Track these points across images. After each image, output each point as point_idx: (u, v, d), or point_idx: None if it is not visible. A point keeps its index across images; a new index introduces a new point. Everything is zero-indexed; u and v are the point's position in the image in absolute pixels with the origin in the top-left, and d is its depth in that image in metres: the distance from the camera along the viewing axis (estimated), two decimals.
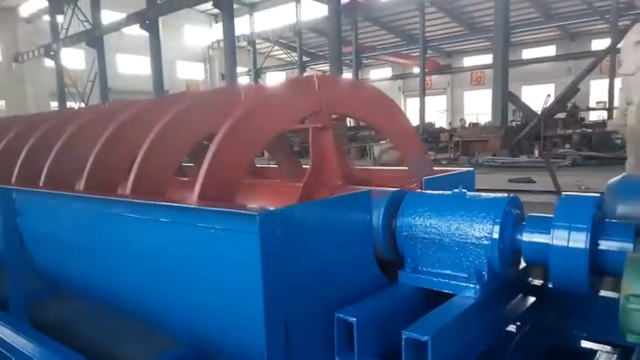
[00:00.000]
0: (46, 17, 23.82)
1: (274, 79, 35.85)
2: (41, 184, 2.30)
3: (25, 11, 25.74)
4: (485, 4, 24.75)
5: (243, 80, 30.21)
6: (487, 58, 30.92)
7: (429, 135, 22.33)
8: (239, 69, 19.05)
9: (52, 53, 22.64)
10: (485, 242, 1.51)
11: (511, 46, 18.53)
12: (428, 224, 1.62)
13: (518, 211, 1.60)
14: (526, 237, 1.51)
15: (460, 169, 2.41)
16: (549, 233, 1.41)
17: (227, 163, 1.78)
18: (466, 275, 1.55)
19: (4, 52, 25.40)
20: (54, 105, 24.93)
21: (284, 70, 34.70)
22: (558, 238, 1.39)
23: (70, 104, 22.72)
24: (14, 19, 25.64)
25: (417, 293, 1.65)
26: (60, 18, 22.37)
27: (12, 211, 2.44)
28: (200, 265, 1.60)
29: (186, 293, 1.73)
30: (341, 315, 1.43)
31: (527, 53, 31.26)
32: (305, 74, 29.07)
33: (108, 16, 20.85)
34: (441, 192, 1.74)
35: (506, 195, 1.60)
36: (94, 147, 2.20)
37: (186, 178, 2.85)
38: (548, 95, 18.19)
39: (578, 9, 25.24)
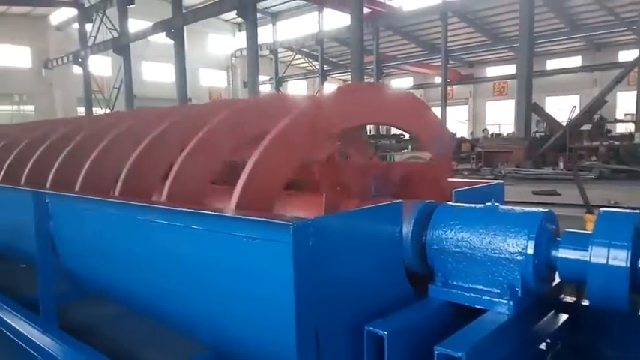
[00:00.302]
0: (76, 25, 24.51)
1: (295, 87, 36.10)
2: (77, 189, 2.35)
3: (55, 19, 26.55)
4: (510, 14, 24.53)
5: (265, 88, 30.48)
6: (510, 69, 30.59)
7: None
8: (261, 77, 19.22)
9: (80, 60, 23.25)
10: (520, 257, 1.48)
11: (535, 56, 18.33)
12: (459, 238, 1.60)
13: (554, 227, 1.57)
14: (562, 253, 1.47)
15: (489, 181, 2.38)
16: (587, 250, 1.38)
17: (268, 172, 1.78)
18: (499, 290, 1.52)
19: (34, 58, 26.21)
20: (81, 110, 25.55)
21: (305, 78, 34.92)
22: (597, 255, 1.35)
23: (96, 110, 23.26)
24: (45, 27, 26.46)
25: (448, 308, 1.62)
26: (89, 26, 23.00)
27: (45, 214, 2.50)
28: (230, 272, 1.61)
29: (215, 299, 1.75)
30: (371, 328, 1.41)
31: (552, 64, 30.83)
32: (326, 83, 29.08)
33: (135, 25, 21.35)
34: (472, 205, 1.72)
35: (541, 210, 1.57)
36: (131, 153, 2.24)
37: (224, 186, 2.87)
38: (574, 107, 17.87)
39: (605, 20, 24.82)
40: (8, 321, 2.89)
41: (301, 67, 34.25)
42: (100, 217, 2.21)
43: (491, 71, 34.00)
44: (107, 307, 3.12)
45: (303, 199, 2.61)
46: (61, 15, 26.12)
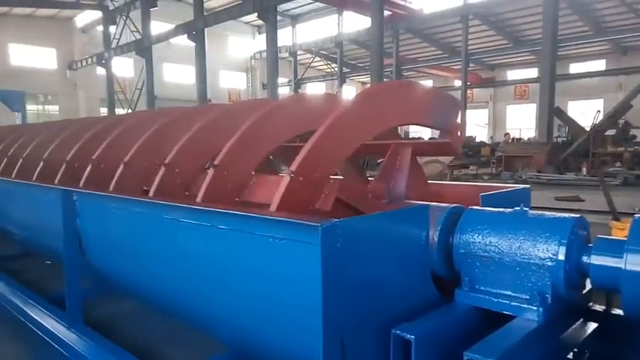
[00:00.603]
0: (100, 27, 25.00)
1: (314, 89, 36.15)
2: (111, 188, 2.38)
3: (80, 22, 27.10)
4: (532, 17, 24.14)
5: (284, 91, 30.60)
6: (532, 72, 30.10)
7: (470, 149, 21.88)
8: (280, 79, 19.31)
9: (103, 61, 23.69)
10: (550, 263, 1.45)
11: (558, 59, 17.99)
12: (487, 242, 1.58)
13: (585, 233, 1.54)
14: (595, 260, 1.44)
15: (515, 186, 2.35)
16: (622, 257, 1.35)
17: (311, 173, 1.80)
18: (528, 297, 1.49)
19: (59, 60, 26.79)
20: (103, 111, 26.03)
21: (324, 80, 34.92)
22: (633, 262, 1.32)
23: (118, 110, 23.66)
24: (70, 29, 27.04)
25: (475, 313, 1.60)
26: (112, 28, 23.43)
27: (73, 212, 2.55)
28: (254, 273, 1.61)
29: (237, 299, 1.75)
30: (398, 332, 1.40)
31: (575, 67, 30.23)
32: (345, 86, 29.00)
33: (157, 27, 21.67)
34: (500, 209, 1.69)
35: (572, 215, 1.54)
36: (168, 152, 2.26)
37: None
38: (598, 111, 17.50)
39: (631, 22, 24.24)
40: (35, 317, 2.95)
41: (320, 70, 34.27)
42: (127, 216, 2.24)
43: (513, 75, 33.50)
44: (129, 304, 3.17)
45: None
46: (86, 17, 26.65)
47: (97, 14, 24.93)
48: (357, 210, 1.98)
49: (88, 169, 2.76)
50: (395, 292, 1.55)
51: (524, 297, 1.50)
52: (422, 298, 1.64)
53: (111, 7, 23.63)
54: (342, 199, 1.95)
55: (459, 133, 2.27)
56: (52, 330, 2.74)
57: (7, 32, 24.71)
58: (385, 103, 2.05)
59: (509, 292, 1.54)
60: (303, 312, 1.41)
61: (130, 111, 22.94)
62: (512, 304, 1.51)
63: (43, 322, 2.86)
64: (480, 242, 1.59)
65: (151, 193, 2.32)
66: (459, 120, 2.32)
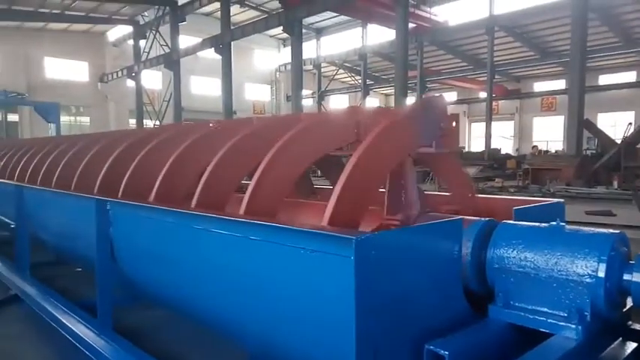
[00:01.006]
0: (131, 41, 25.77)
1: (337, 102, 36.31)
2: (151, 199, 2.42)
3: (112, 36, 28.02)
4: (560, 28, 23.79)
5: (307, 103, 30.80)
6: (560, 84, 29.59)
7: (495, 161, 21.55)
8: (304, 91, 19.46)
9: (133, 74, 24.35)
10: (589, 280, 1.41)
11: (587, 71, 17.63)
12: (522, 257, 1.55)
13: (625, 249, 1.49)
14: (637, 277, 1.39)
15: (549, 199, 2.30)
16: None
17: (358, 188, 1.76)
18: (566, 314, 1.45)
19: (91, 72, 27.68)
20: (132, 122, 26.70)
21: (347, 93, 35.07)
22: None
23: (146, 122, 24.22)
24: (102, 43, 27.96)
25: (509, 329, 1.57)
26: (142, 42, 24.10)
27: (106, 221, 2.61)
28: (284, 283, 1.61)
29: (266, 309, 1.75)
30: (432, 347, 1.38)
31: (605, 79, 29.58)
32: (368, 98, 29.02)
33: (185, 41, 22.20)
34: (535, 224, 1.66)
35: (612, 231, 1.50)
36: (205, 164, 2.28)
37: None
38: (630, 124, 17.02)
39: None
40: (66, 322, 3.01)
41: (343, 82, 34.43)
42: (158, 225, 2.27)
43: (540, 86, 32.98)
44: (157, 312, 3.22)
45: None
46: (117, 32, 27.53)
47: (128, 29, 25.72)
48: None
49: (125, 180, 2.82)
50: (427, 306, 1.53)
51: (562, 314, 1.46)
52: (454, 313, 1.61)
53: (141, 22, 24.35)
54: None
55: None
56: (82, 336, 2.79)
57: (43, 46, 25.72)
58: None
59: (545, 309, 1.50)
60: (334, 325, 1.40)
61: (157, 122, 23.47)
62: (549, 321, 1.47)
63: (73, 328, 2.91)
64: (514, 257, 1.56)
65: (193, 204, 2.31)
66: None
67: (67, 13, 22.24)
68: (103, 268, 2.64)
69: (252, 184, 1.94)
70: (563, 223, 1.58)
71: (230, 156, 2.25)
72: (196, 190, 2.19)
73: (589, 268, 1.41)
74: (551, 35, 26.19)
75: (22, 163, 4.90)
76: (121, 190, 2.76)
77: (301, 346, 1.64)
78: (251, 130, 2.35)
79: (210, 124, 3.00)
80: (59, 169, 3.77)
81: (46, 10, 21.53)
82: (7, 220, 4.82)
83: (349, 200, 1.70)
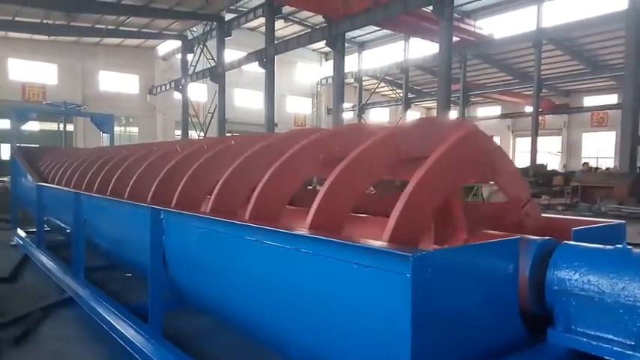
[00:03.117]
0: (179, 55, 26.77)
1: (378, 115, 36.23)
2: (208, 209, 2.48)
3: (162, 50, 29.21)
4: (612, 41, 22.90)
5: (348, 116, 30.88)
6: (611, 98, 28.37)
7: (541, 178, 20.81)
8: (344, 104, 19.54)
9: (180, 87, 25.23)
10: None
11: None
12: (585, 280, 1.49)
13: None
14: None
15: (610, 221, 2.20)
16: None
17: (420, 204, 1.75)
18: (633, 343, 1.38)
19: (141, 85, 28.92)
20: (177, 133, 27.57)
21: (388, 106, 34.92)
22: None
23: (191, 133, 24.99)
24: (152, 57, 29.17)
25: (569, 355, 1.50)
26: (189, 56, 24.99)
27: (159, 229, 2.70)
28: (334, 298, 1.60)
29: (314, 323, 1.75)
30: None
31: None
32: (409, 111, 28.74)
33: (230, 55, 22.83)
34: (599, 246, 1.59)
35: None
36: (261, 176, 2.31)
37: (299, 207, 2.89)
38: None
39: None
40: (117, 326, 3.13)
41: (384, 95, 34.34)
42: (210, 235, 2.33)
43: (589, 101, 31.72)
44: (204, 319, 3.28)
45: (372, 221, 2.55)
46: (167, 46, 28.67)
47: (177, 43, 26.72)
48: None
49: (178, 191, 2.91)
50: (482, 326, 1.50)
51: (629, 343, 1.39)
52: (510, 335, 1.56)
53: (190, 37, 25.25)
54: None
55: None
56: (132, 340, 2.88)
57: (98, 60, 27.12)
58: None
59: (610, 336, 1.43)
60: (387, 342, 1.39)
61: (202, 134, 24.13)
62: (614, 349, 1.40)
63: (124, 332, 3.02)
64: (577, 280, 1.50)
65: (246, 216, 2.34)
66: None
67: (121, 29, 23.39)
68: (156, 276, 2.72)
69: (317, 198, 1.92)
70: (630, 247, 1.51)
71: (283, 169, 2.28)
72: (249, 203, 2.23)
73: None
74: (603, 48, 25.21)
75: (79, 171, 5.16)
76: (174, 200, 2.86)
77: None
78: (307, 141, 2.36)
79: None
80: (115, 177, 3.95)
81: (102, 26, 22.73)
82: (62, 224, 5.08)
83: (410, 218, 1.68)
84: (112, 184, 3.88)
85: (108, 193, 3.80)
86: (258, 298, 2.09)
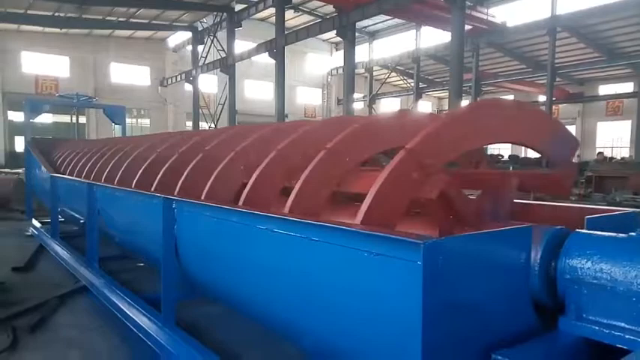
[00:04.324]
0: (189, 47, 26.80)
1: (389, 105, 36.00)
2: (202, 197, 2.51)
3: (172, 42, 29.26)
4: (629, 27, 22.43)
5: (358, 106, 30.73)
6: (627, 87, 27.85)
7: None
8: (355, 95, 19.42)
9: (191, 78, 25.28)
10: None
11: None
12: (598, 269, 1.47)
13: None
14: None
15: (623, 209, 2.17)
16: None
17: (395, 191, 1.81)
18: None
19: (152, 77, 29.05)
20: (188, 124, 27.71)
21: (399, 96, 34.67)
22: None
23: (202, 124, 25.08)
24: (163, 49, 29.26)
25: (581, 343, 1.49)
26: (200, 48, 25.00)
27: (171, 219, 2.72)
28: (345, 285, 1.61)
29: (325, 310, 1.76)
30: (499, 357, 1.34)
31: None
32: (420, 101, 28.52)
33: (240, 46, 22.79)
34: (612, 234, 1.57)
35: None
36: (256, 164, 2.37)
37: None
38: None
39: None
40: (130, 314, 3.18)
41: (395, 85, 34.06)
42: (221, 223, 2.34)
43: (605, 89, 31.15)
44: (216, 308, 3.32)
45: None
46: (177, 38, 28.71)
47: (187, 35, 26.73)
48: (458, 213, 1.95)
49: (182, 179, 2.95)
50: (493, 315, 1.49)
51: None
52: (520, 324, 1.56)
53: (200, 28, 25.24)
54: (449, 194, 1.92)
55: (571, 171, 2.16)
56: (146, 328, 2.93)
57: (109, 53, 27.28)
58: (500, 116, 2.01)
59: (623, 324, 1.41)
60: (397, 329, 1.39)
61: (212, 125, 24.21)
62: (626, 337, 1.39)
63: (138, 320, 3.07)
64: (589, 268, 1.48)
65: (240, 203, 2.43)
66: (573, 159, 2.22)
67: (131, 20, 23.46)
68: (168, 265, 2.75)
69: (297, 185, 1.98)
70: None
71: (276, 159, 2.32)
72: (244, 190, 2.27)
73: None
74: (620, 35, 24.68)
75: (91, 161, 5.22)
76: (177, 189, 2.90)
77: (361, 350, 1.63)
78: (298, 133, 2.40)
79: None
80: (122, 168, 4.00)
81: (113, 18, 22.81)
82: (76, 215, 5.15)
83: (383, 202, 1.73)
84: (119, 173, 3.94)
85: (115, 183, 3.85)
86: (270, 286, 2.11)
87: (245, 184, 2.48)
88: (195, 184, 2.90)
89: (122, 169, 4.05)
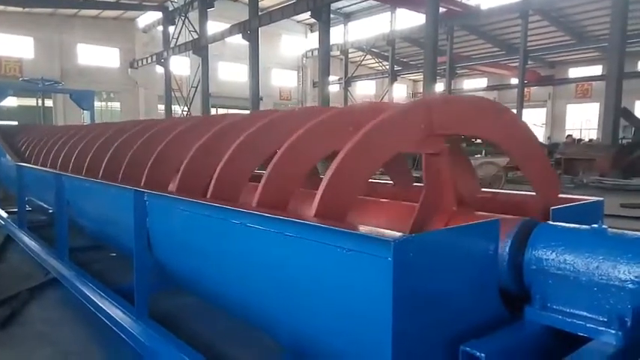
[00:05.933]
0: (160, 28, 26.06)
1: (364, 88, 36.00)
2: (175, 189, 2.48)
3: (142, 22, 28.39)
4: (598, 11, 22.89)
5: (334, 89, 30.64)
6: (596, 69, 28.55)
7: None
8: (330, 77, 19.33)
9: (162, 60, 24.64)
10: (632, 286, 1.38)
11: (626, 56, 16.90)
12: (562, 260, 1.52)
13: None
14: None
15: (587, 198, 2.24)
16: None
17: (346, 181, 1.83)
18: (606, 319, 1.43)
19: (122, 59, 28.19)
20: (161, 108, 27.12)
21: (375, 79, 34.69)
22: None
23: (174, 108, 24.58)
24: (132, 30, 28.38)
25: (546, 332, 1.55)
26: (171, 29, 24.34)
27: (143, 211, 2.68)
28: (319, 280, 1.63)
29: (299, 304, 1.78)
30: (467, 348, 1.38)
31: None
32: (396, 84, 28.60)
33: (213, 27, 22.29)
34: (576, 226, 1.62)
35: None
36: (221, 156, 2.35)
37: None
38: None
39: None
40: (103, 307, 3.14)
41: (371, 67, 34.03)
42: (195, 218, 2.32)
43: (575, 72, 31.87)
44: (190, 300, 3.30)
45: (384, 205, 2.60)
46: (147, 18, 27.86)
47: (158, 15, 25.98)
48: None
49: (147, 168, 2.91)
50: (462, 307, 1.53)
51: (602, 319, 1.43)
52: (489, 315, 1.61)
53: (171, 8, 24.55)
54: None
55: None
56: (119, 321, 2.90)
57: (75, 33, 26.30)
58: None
59: (584, 313, 1.47)
60: (370, 323, 1.42)
61: (185, 108, 23.77)
62: (587, 325, 1.45)
63: (110, 313, 3.03)
64: (553, 259, 1.53)
65: (208, 195, 2.41)
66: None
67: None
68: (141, 257, 2.72)
69: (264, 176, 1.99)
70: (606, 226, 1.54)
71: (243, 149, 2.32)
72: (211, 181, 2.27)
73: (632, 273, 1.38)
74: (589, 19, 25.21)
75: (55, 148, 5.07)
76: (143, 180, 2.86)
77: (335, 343, 1.66)
78: (265, 122, 2.40)
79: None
80: (89, 156, 3.91)
81: None
82: (45, 205, 5.02)
83: (337, 191, 1.80)
84: (87, 162, 3.86)
85: (83, 172, 3.77)
86: (244, 279, 2.11)
87: (213, 173, 2.46)
88: (161, 173, 2.86)
89: (89, 157, 3.96)
